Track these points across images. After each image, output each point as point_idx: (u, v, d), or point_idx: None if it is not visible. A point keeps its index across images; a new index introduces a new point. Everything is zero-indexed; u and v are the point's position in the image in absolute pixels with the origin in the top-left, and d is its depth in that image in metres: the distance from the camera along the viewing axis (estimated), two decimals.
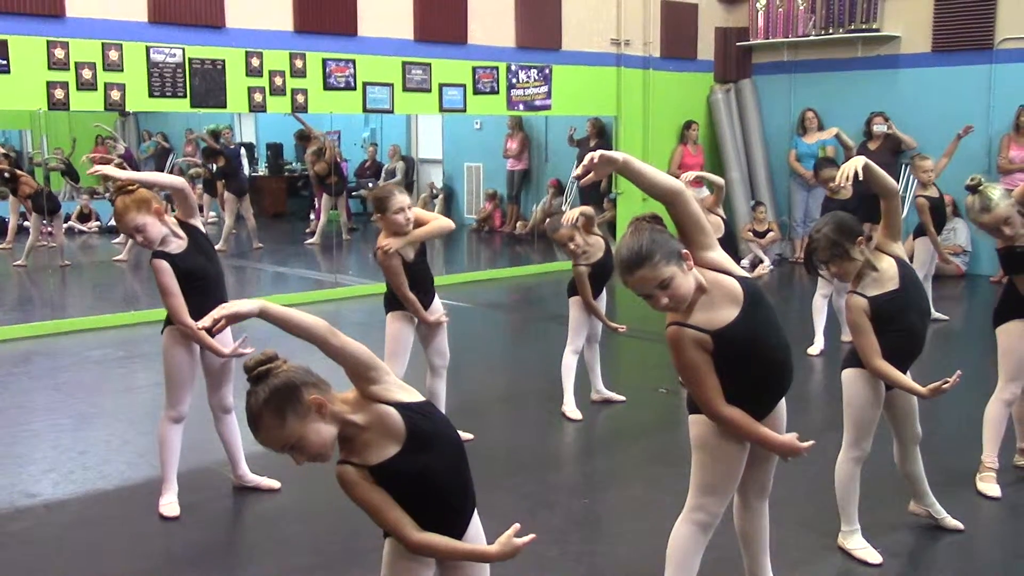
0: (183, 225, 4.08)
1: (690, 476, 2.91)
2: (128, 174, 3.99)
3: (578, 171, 2.60)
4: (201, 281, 4.05)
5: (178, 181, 4.15)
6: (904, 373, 3.49)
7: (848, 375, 3.56)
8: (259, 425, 2.16)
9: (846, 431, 3.60)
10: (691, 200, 2.68)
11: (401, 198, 4.47)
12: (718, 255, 2.73)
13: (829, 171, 6.79)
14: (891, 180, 3.37)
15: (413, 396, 2.29)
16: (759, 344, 2.71)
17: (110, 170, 4.01)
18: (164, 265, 3.97)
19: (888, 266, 3.42)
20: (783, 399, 2.91)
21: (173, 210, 4.17)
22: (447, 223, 4.74)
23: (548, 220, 5.64)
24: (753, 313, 2.69)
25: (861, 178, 3.24)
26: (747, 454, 2.87)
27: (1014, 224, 3.98)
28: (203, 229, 4.17)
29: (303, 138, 13.13)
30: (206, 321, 2.15)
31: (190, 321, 3.97)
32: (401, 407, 2.24)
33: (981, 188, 3.97)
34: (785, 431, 2.88)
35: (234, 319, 2.16)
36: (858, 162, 3.23)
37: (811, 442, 2.82)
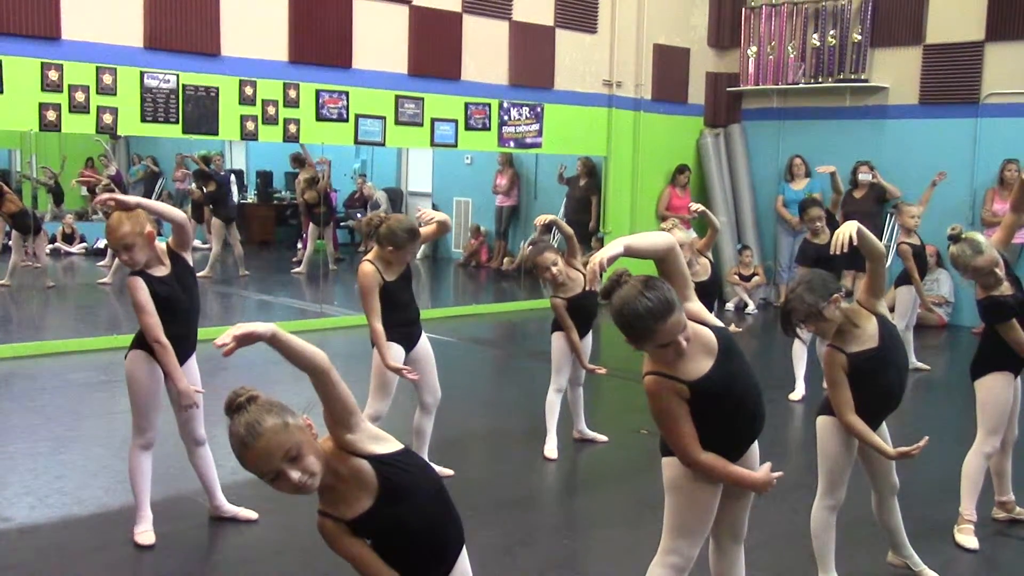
0: (171, 253, 4.08)
1: (663, 519, 2.93)
2: (136, 199, 3.97)
3: (594, 271, 2.64)
4: (171, 312, 4.02)
5: (181, 215, 4.12)
6: (879, 425, 3.52)
7: (822, 423, 3.59)
8: (262, 430, 2.09)
9: (820, 479, 3.62)
10: (681, 256, 2.77)
11: (415, 246, 4.56)
12: (696, 306, 2.81)
13: (816, 210, 6.81)
14: (880, 245, 3.39)
15: (388, 446, 2.28)
16: (732, 393, 2.77)
17: (120, 196, 4.00)
18: (140, 282, 3.95)
19: (869, 324, 3.43)
20: (755, 442, 2.95)
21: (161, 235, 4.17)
22: (446, 219, 4.72)
23: (531, 247, 5.62)
24: (726, 363, 2.76)
25: (855, 243, 3.25)
26: (719, 497, 2.89)
27: (1002, 267, 4.03)
28: (191, 263, 4.18)
29: (300, 163, 13.06)
30: (224, 338, 2.07)
31: (163, 339, 3.96)
32: (374, 460, 2.22)
33: (965, 236, 4.03)
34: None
35: (247, 340, 2.10)
36: (851, 227, 3.22)
37: (779, 472, 2.86)
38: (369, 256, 4.61)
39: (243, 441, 2.11)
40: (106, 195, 3.97)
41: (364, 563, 2.24)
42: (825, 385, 3.55)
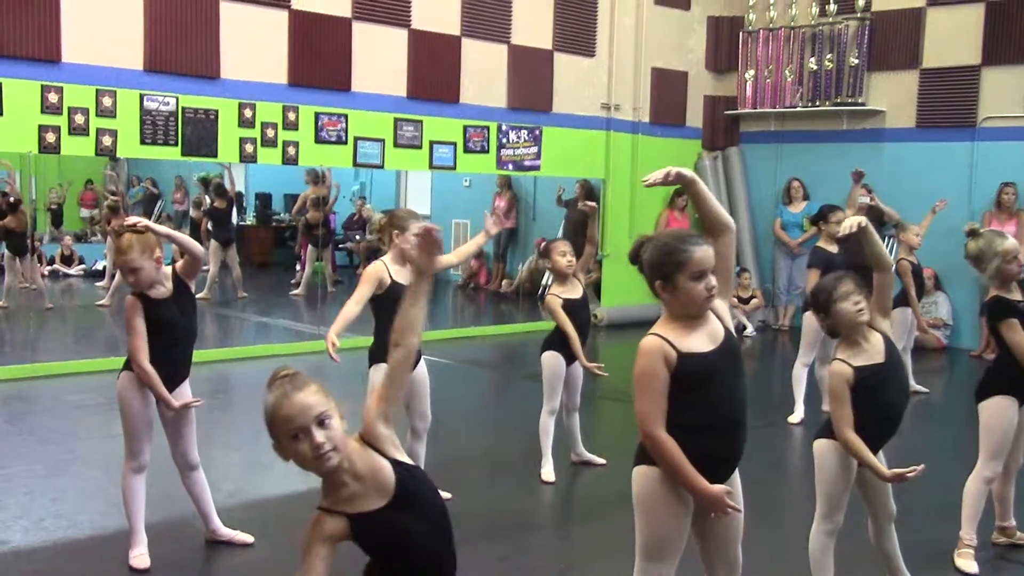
0: (175, 278, 4.08)
1: (635, 539, 2.86)
2: (166, 230, 4.00)
3: (655, 179, 2.79)
4: (168, 333, 4.03)
5: (201, 251, 4.14)
6: (878, 451, 3.49)
7: (819, 446, 3.56)
8: (305, 385, 2.18)
9: (818, 503, 3.59)
10: (733, 244, 2.89)
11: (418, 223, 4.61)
12: (723, 304, 2.87)
13: (841, 214, 6.84)
14: (887, 254, 3.41)
15: (405, 458, 2.33)
16: (715, 385, 2.76)
17: (153, 225, 4.00)
18: (136, 303, 3.97)
19: (876, 340, 3.46)
20: (737, 475, 2.89)
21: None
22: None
23: (546, 244, 5.73)
24: (722, 357, 2.78)
25: (860, 228, 3.31)
26: (690, 514, 2.82)
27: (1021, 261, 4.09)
28: (192, 290, 4.18)
29: (315, 180, 12.99)
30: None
31: (146, 364, 3.96)
32: (395, 463, 2.27)
33: (982, 230, 4.20)
34: (742, 507, 2.85)
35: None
36: (862, 218, 3.30)
37: (737, 506, 2.78)
38: (384, 257, 4.71)
39: (285, 391, 2.17)
40: (144, 221, 3.98)
41: (310, 571, 2.18)
42: (824, 407, 3.54)
